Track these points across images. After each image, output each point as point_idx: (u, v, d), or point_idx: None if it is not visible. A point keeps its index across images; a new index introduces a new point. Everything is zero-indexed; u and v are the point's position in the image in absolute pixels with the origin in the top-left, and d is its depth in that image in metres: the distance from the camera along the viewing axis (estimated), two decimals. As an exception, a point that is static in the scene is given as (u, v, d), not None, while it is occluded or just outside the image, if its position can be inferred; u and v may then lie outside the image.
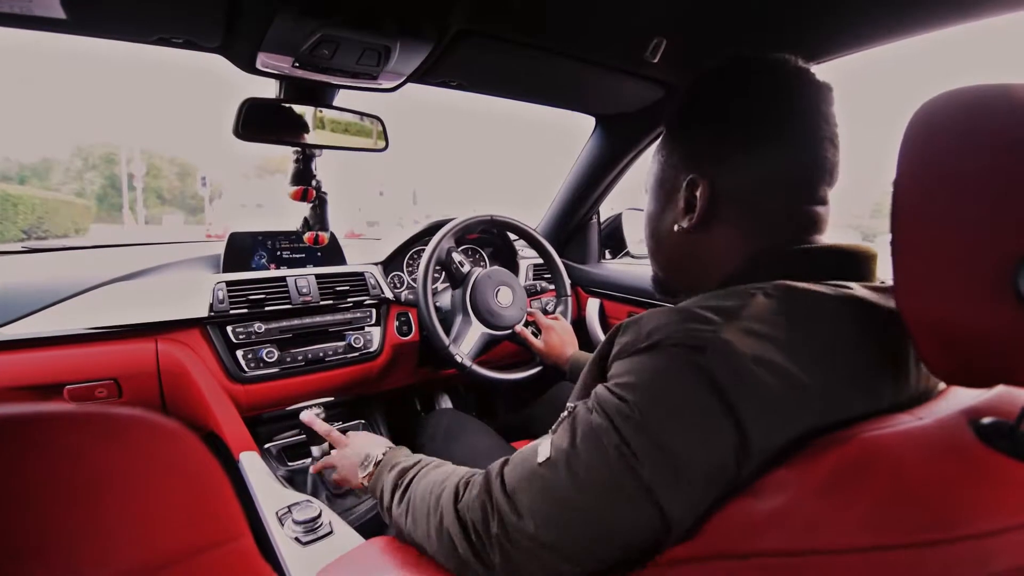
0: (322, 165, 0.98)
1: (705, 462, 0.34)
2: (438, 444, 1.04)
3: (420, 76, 0.86)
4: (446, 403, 1.59)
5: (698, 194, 0.48)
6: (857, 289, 0.41)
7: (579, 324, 1.51)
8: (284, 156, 0.98)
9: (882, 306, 0.39)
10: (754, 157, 0.47)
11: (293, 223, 1.10)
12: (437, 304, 1.18)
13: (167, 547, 0.23)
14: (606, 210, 1.60)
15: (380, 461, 0.66)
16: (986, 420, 0.32)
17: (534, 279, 1.50)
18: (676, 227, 0.51)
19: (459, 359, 1.07)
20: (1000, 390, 0.35)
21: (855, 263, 0.44)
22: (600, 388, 0.41)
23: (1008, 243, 0.27)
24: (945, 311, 0.30)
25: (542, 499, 0.39)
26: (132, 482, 0.23)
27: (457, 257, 1.16)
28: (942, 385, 0.42)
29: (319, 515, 0.75)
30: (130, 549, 0.22)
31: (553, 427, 0.45)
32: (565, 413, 0.44)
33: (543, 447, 0.42)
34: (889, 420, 0.34)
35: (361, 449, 0.70)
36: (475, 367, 1.08)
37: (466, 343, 1.11)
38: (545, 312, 1.21)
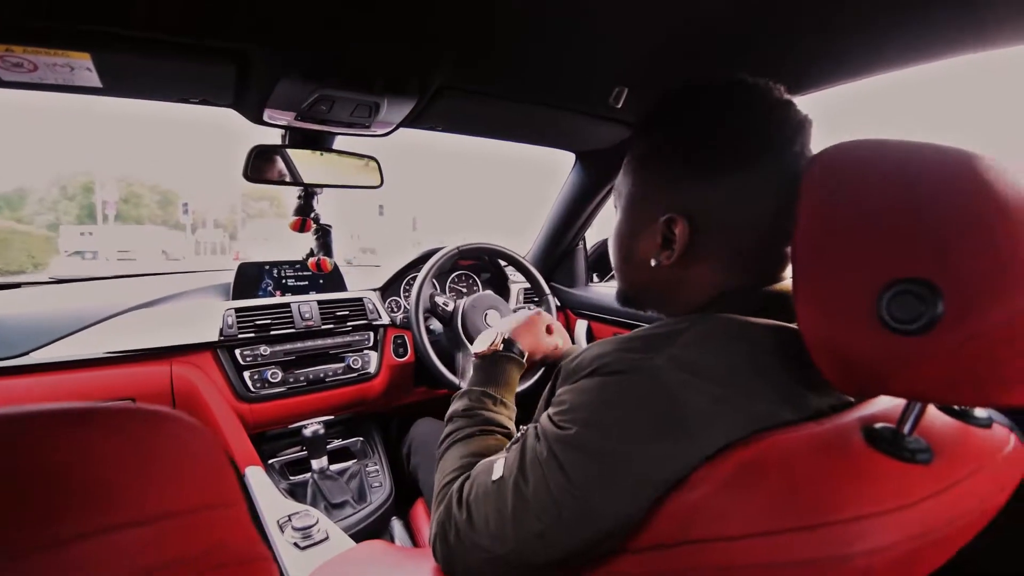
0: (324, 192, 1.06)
1: (649, 472, 0.37)
2: (422, 456, 1.09)
3: (408, 124, 0.96)
4: None
5: (677, 232, 0.46)
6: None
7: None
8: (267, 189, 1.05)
9: None
10: (736, 192, 0.44)
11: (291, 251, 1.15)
12: (431, 328, 1.25)
13: (168, 504, 0.28)
14: (594, 236, 1.67)
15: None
16: (877, 425, 0.36)
17: (524, 301, 1.56)
18: (653, 262, 0.49)
19: None
20: (900, 401, 0.38)
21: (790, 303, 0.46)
22: (543, 418, 0.43)
23: (873, 277, 0.33)
24: (832, 333, 0.35)
25: (495, 515, 0.42)
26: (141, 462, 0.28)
27: (440, 299, 1.23)
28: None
29: (316, 523, 0.82)
30: (133, 503, 0.27)
31: (508, 444, 0.48)
32: (519, 434, 0.46)
33: (498, 464, 0.45)
34: (795, 427, 0.38)
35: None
36: None
37: None
38: None
